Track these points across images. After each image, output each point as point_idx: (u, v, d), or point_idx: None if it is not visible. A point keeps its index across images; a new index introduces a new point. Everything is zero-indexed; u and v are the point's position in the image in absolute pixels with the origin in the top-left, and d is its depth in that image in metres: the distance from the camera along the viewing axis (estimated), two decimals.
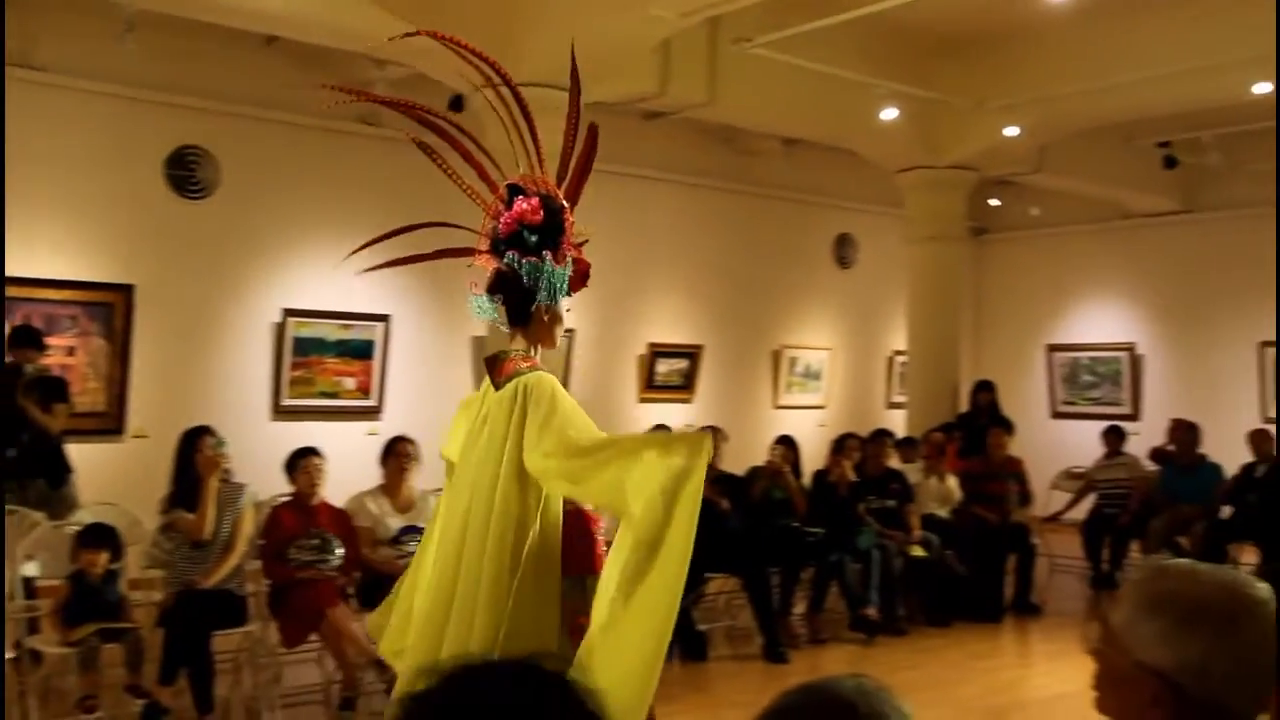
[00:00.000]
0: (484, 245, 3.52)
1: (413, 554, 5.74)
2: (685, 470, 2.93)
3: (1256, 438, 9.78)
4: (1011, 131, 9.53)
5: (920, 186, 10.61)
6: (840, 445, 8.30)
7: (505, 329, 3.47)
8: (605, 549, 3.27)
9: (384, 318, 9.71)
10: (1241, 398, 12.22)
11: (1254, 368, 12.27)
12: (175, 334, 8.70)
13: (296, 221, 9.35)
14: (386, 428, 8.56)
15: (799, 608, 8.00)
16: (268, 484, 6.29)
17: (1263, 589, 1.64)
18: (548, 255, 3.37)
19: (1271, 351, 12.11)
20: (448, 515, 3.44)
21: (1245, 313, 12.27)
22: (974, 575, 8.51)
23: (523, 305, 3.40)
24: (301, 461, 5.90)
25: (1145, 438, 11.07)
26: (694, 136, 11.11)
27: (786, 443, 8.30)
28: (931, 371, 10.84)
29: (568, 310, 3.50)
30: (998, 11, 8.99)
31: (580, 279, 3.50)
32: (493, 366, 3.46)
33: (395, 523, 6.17)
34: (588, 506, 3.39)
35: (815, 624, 7.85)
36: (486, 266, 3.49)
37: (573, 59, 3.53)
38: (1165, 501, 9.67)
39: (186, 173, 8.75)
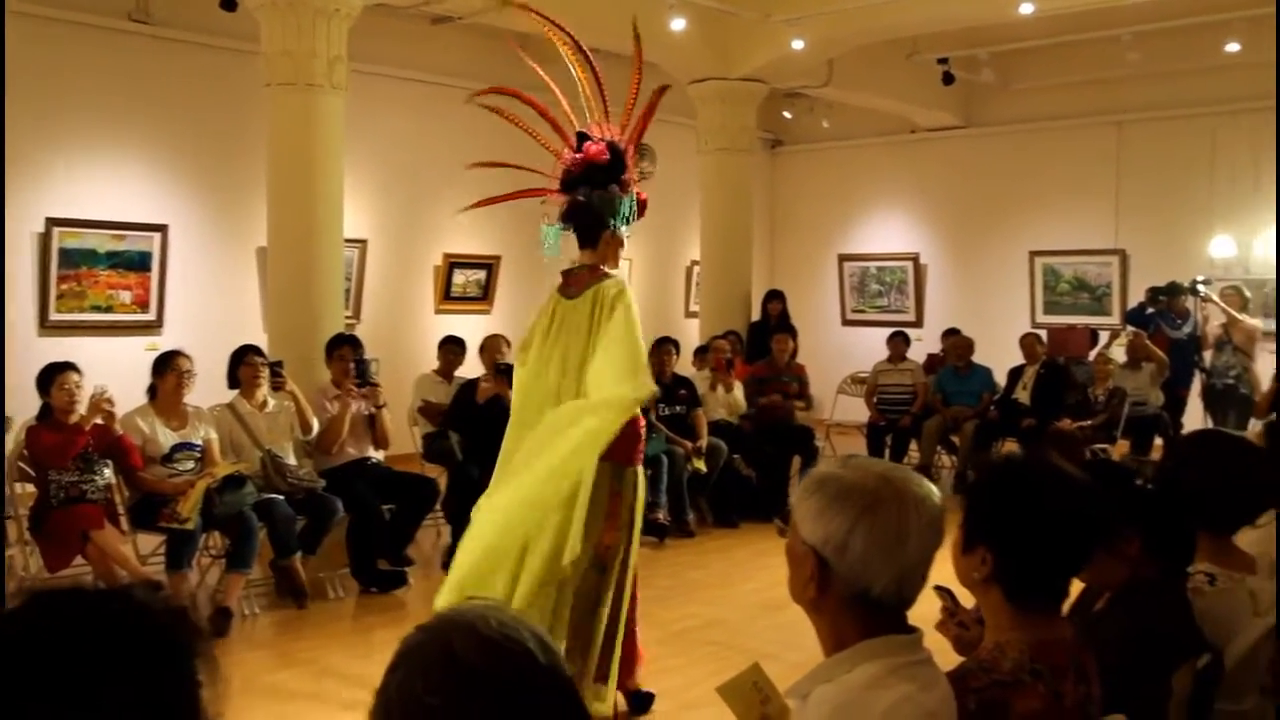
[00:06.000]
0: (554, 185, 4.27)
1: (187, 471, 5.66)
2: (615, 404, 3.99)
3: (1026, 342, 10.43)
4: (798, 44, 9.69)
5: (711, 98, 10.70)
6: None
7: (548, 255, 4.30)
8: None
9: (161, 228, 9.27)
10: (1014, 304, 12.95)
11: (1025, 275, 13.00)
12: None
13: (61, 123, 8.78)
14: (168, 342, 8.21)
15: None
16: (37, 402, 5.95)
17: (923, 487, 1.77)
18: (614, 188, 4.15)
19: (1040, 261, 12.87)
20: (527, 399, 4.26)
21: (1018, 224, 12.97)
22: (761, 478, 8.82)
23: (593, 230, 4.22)
24: (57, 377, 5.61)
25: (927, 343, 11.63)
26: (487, 42, 10.88)
27: None
28: (725, 281, 11.06)
29: (628, 236, 4.29)
30: None
31: (639, 210, 4.28)
32: (567, 278, 4.30)
33: (168, 440, 5.97)
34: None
35: None
36: (557, 201, 4.24)
37: (635, 33, 4.36)
38: (941, 404, 10.23)
39: None
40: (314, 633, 5.74)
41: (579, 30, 10.87)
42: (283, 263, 7.57)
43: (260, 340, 7.30)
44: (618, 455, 4.11)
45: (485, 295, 11.55)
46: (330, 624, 6.02)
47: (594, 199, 4.16)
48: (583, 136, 4.21)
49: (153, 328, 9.27)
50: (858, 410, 11.04)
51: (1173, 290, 10.18)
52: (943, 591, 2.53)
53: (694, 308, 13.12)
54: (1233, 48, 10.61)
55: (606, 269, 4.23)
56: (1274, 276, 11.10)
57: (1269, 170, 11.27)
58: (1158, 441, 9.64)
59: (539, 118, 4.50)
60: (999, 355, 10.60)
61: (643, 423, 4.36)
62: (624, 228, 4.24)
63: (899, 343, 10.83)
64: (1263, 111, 11.27)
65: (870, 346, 12.11)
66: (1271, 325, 10.46)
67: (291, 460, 6.34)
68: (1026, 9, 8.85)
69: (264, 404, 6.43)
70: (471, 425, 7.51)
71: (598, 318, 4.09)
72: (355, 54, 7.97)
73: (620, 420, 3.98)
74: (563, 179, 4.25)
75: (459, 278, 11.34)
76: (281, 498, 6.13)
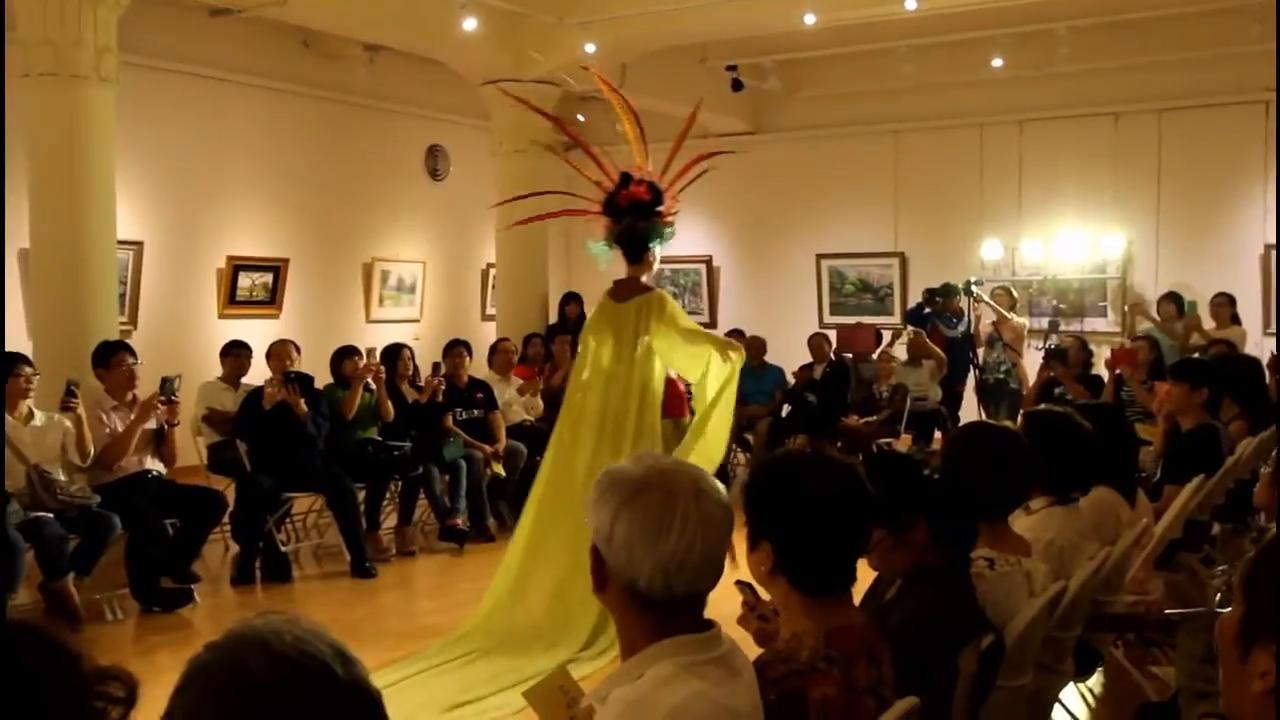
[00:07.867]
0: (595, 208, 5.68)
1: None
2: (731, 373, 5.60)
3: (814, 341, 10.79)
4: (590, 48, 9.73)
5: (505, 99, 10.61)
6: (394, 355, 8.25)
7: (604, 267, 5.91)
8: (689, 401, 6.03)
9: None
10: (803, 305, 13.37)
11: (812, 277, 13.44)
12: None
13: None
14: None
15: (388, 521, 7.98)
16: None
17: (702, 482, 1.77)
18: (656, 219, 5.54)
19: (826, 263, 13.34)
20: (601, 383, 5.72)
21: (805, 227, 13.39)
22: None
23: (638, 249, 5.65)
24: None
25: None
26: (270, 37, 10.52)
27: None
28: (522, 284, 11.01)
29: (660, 254, 5.79)
30: None
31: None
32: (619, 285, 5.77)
33: None
34: (673, 374, 6.06)
35: (404, 536, 7.85)
36: (600, 222, 5.67)
37: (697, 107, 6.38)
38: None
39: None
40: None
41: (374, 27, 10.67)
42: (48, 266, 7.11)
43: (23, 348, 6.83)
44: (670, 410, 5.71)
45: (273, 299, 11.14)
46: (108, 648, 5.66)
47: (641, 227, 5.52)
48: (626, 177, 5.52)
49: None
50: None
51: (948, 291, 10.71)
52: (743, 586, 2.57)
53: (490, 310, 13.01)
54: (997, 63, 11.26)
55: (646, 281, 5.69)
56: (1037, 278, 11.86)
57: (1030, 178, 12.03)
58: (938, 434, 10.13)
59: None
60: (790, 355, 10.93)
61: (682, 385, 6.34)
62: (658, 248, 5.66)
63: None
64: (1025, 122, 12.03)
65: None
66: (1038, 323, 11.15)
67: (61, 476, 5.95)
68: (809, 19, 9.15)
69: (29, 416, 6.01)
70: (260, 433, 7.24)
71: (645, 317, 5.53)
72: (127, 45, 7.57)
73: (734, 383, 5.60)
74: (607, 206, 5.60)
75: (244, 281, 10.90)
76: (51, 516, 5.74)
